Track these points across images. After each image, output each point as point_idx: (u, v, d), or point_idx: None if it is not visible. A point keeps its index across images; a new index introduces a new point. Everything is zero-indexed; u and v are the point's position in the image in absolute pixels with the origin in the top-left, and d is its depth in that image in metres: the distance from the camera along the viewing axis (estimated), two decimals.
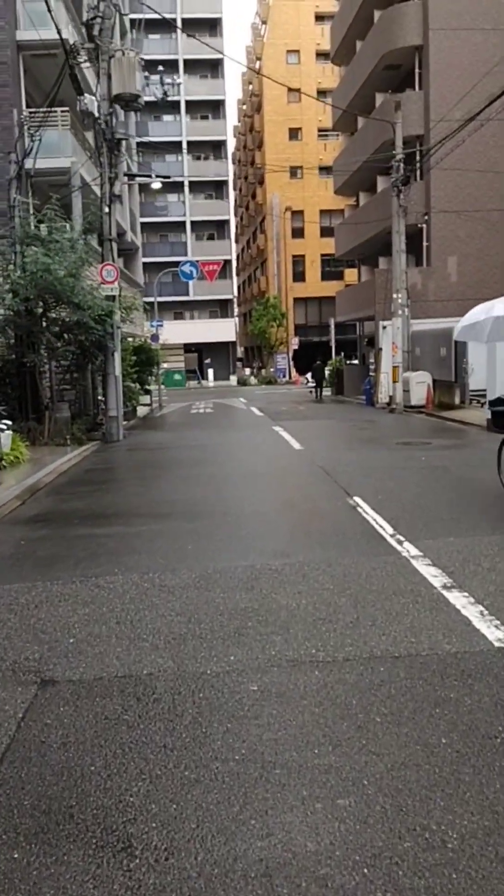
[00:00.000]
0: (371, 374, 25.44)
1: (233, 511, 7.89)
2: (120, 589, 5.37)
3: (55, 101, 16.79)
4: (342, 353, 33.16)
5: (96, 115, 14.25)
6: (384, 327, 23.69)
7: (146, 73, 16.10)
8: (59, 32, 13.69)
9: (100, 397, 19.04)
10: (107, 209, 16.38)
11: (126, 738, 3.24)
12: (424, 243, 26.11)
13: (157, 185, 18.60)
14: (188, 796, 2.79)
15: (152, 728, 3.32)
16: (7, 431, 13.03)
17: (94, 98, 14.22)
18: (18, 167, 16.33)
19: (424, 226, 25.95)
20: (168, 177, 18.51)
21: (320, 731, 3.21)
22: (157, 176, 17.97)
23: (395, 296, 21.80)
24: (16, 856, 2.51)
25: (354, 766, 2.93)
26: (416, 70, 25.73)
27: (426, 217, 25.82)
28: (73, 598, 5.24)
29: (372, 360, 25.53)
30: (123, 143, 16.96)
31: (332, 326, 34.17)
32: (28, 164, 17.26)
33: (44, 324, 15.79)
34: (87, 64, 16.53)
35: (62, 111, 18.47)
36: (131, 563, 6.07)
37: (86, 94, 13.87)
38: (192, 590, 5.28)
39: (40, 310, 15.80)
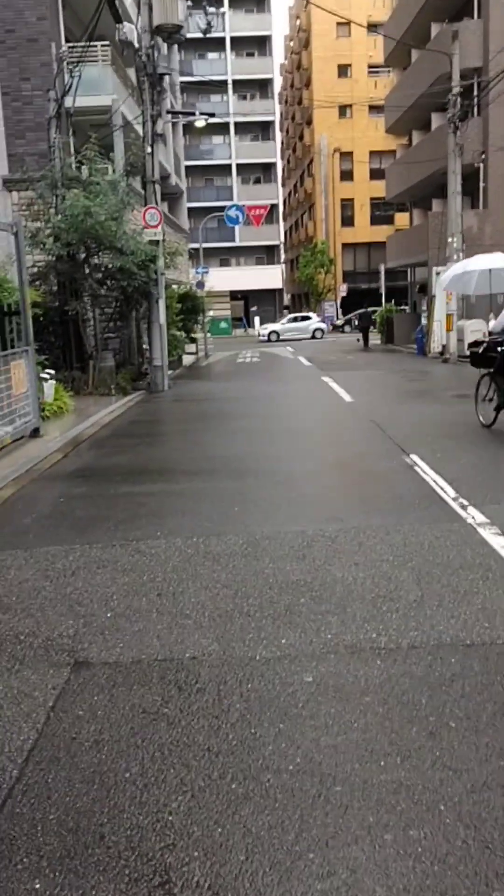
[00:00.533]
0: (423, 322, 24.53)
1: (282, 470, 7.45)
2: (162, 555, 5.01)
3: (94, 36, 16.02)
4: (392, 301, 32.08)
5: (136, 45, 13.52)
6: (438, 273, 22.68)
7: (189, 2, 15.18)
8: None
9: (144, 346, 18.66)
10: (149, 149, 15.72)
11: (166, 738, 2.87)
12: (481, 184, 24.83)
13: (201, 123, 17.77)
14: (236, 817, 2.41)
15: (195, 726, 2.95)
16: (50, 381, 12.75)
17: (133, 26, 13.46)
18: (58, 105, 15.70)
19: (481, 165, 24.65)
20: (213, 115, 17.66)
21: (386, 738, 2.80)
22: (202, 114, 17.12)
23: (449, 240, 20.79)
24: (37, 886, 2.17)
25: (428, 786, 2.52)
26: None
27: (483, 156, 24.49)
28: (113, 564, 4.89)
29: (424, 308, 24.57)
30: (166, 78, 16.17)
31: (382, 273, 33.08)
32: (67, 102, 16.66)
33: (86, 270, 15.36)
34: None
35: (102, 45, 17.67)
36: (174, 525, 5.71)
37: (124, 23, 13.10)
38: (240, 558, 4.89)
39: (83, 255, 15.35)
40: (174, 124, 31.20)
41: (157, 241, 15.96)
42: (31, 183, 15.36)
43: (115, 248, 14.88)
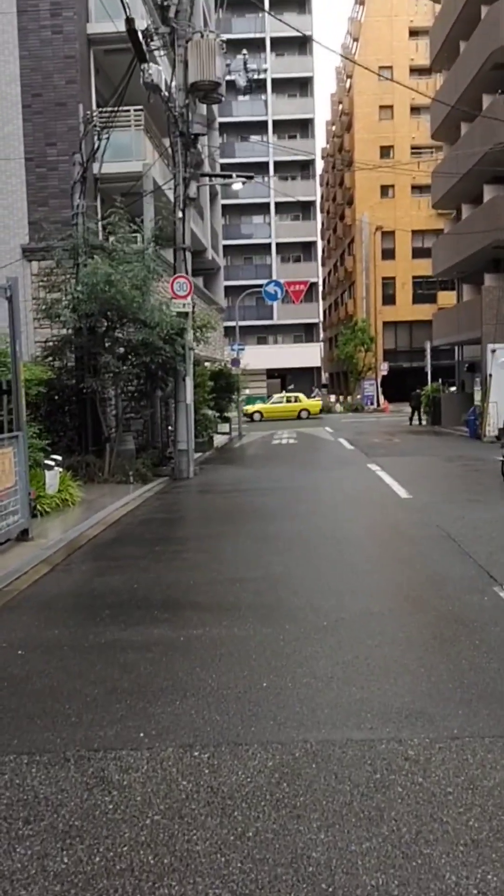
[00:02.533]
0: (476, 403, 22.55)
1: (330, 608, 5.41)
2: (139, 794, 2.99)
3: (124, 98, 14.93)
4: (440, 380, 30.22)
5: (163, 92, 12.19)
6: (493, 351, 20.84)
7: (228, 63, 13.97)
8: (125, 8, 11.68)
9: (170, 427, 16.94)
10: (180, 213, 14.32)
11: None
12: None
13: (238, 185, 16.52)
14: None
15: None
16: (55, 469, 10.97)
17: (159, 68, 12.14)
18: (83, 169, 14.45)
19: None
20: (251, 177, 16.35)
21: None
22: (239, 176, 15.81)
23: None
24: None
25: None
26: None
27: None
28: (52, 814, 2.87)
29: (478, 388, 22.64)
30: (201, 139, 14.92)
31: (428, 351, 31.34)
32: (95, 168, 15.49)
33: (106, 344, 13.78)
34: (163, 52, 14.56)
35: (136, 110, 16.63)
36: (169, 718, 3.69)
37: (150, 64, 11.79)
38: (267, 806, 2.85)
39: (103, 328, 13.82)
40: (212, 200, 30.42)
41: (186, 314, 14.39)
42: (50, 251, 13.98)
43: (139, 319, 13.33)
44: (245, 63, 13.60)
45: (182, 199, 14.34)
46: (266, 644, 4.70)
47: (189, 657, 4.55)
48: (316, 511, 9.90)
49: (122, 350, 14.08)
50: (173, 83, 14.24)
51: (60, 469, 11.24)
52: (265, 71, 14.69)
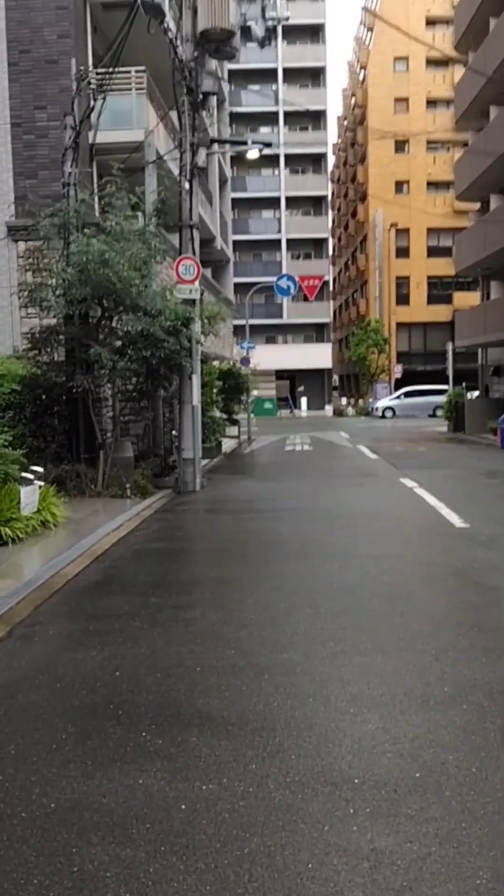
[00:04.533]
0: None
1: (417, 741, 3.43)
2: None
3: (124, 62, 13.00)
4: (463, 384, 28.19)
5: (165, 12, 10.14)
6: None
7: (243, 13, 12.05)
8: None
9: (174, 432, 14.97)
10: (187, 185, 12.35)
11: None
12: None
13: (254, 153, 14.54)
14: None
15: None
16: (34, 484, 9.00)
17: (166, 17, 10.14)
18: (76, 134, 12.49)
19: None
20: (269, 144, 14.37)
21: None
22: (255, 143, 13.87)
23: None
24: None
25: None
26: None
27: None
28: None
29: None
30: (212, 98, 12.94)
31: (450, 353, 29.31)
32: (90, 136, 13.54)
33: (100, 335, 11.81)
34: None
35: (137, 71, 14.69)
36: None
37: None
38: None
39: (97, 316, 11.87)
40: (222, 186, 28.42)
41: (193, 301, 12.43)
42: (37, 228, 12.00)
43: (138, 307, 11.36)
44: (263, 9, 11.58)
45: (189, 168, 12.36)
46: (325, 819, 2.72)
47: (193, 857, 2.57)
48: (355, 545, 7.90)
49: (118, 343, 12.11)
50: (181, 33, 12.26)
51: (41, 483, 9.28)
52: (286, 19, 12.65)
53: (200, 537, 9.00)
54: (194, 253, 12.59)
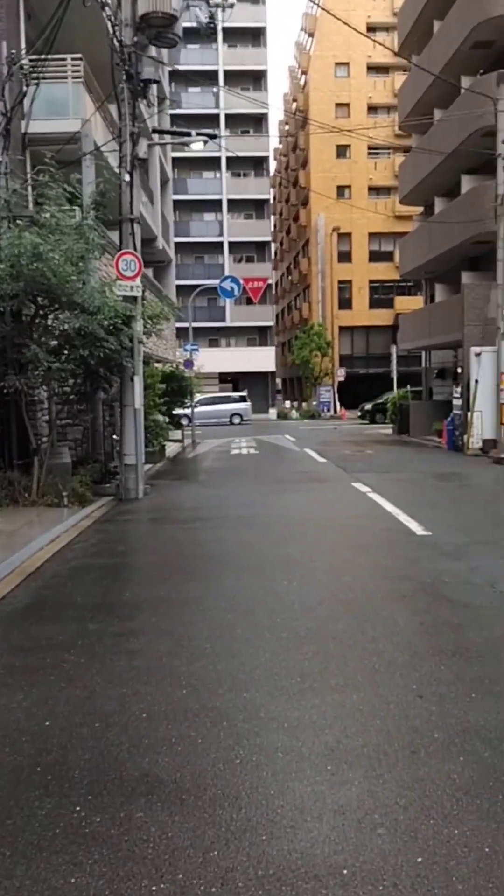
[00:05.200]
0: (456, 412, 20.36)
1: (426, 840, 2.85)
2: None
3: (60, 50, 12.26)
4: (407, 386, 28.06)
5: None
6: (478, 354, 18.67)
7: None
8: None
9: (115, 436, 14.21)
10: (127, 177, 11.65)
11: None
12: None
13: (198, 145, 13.88)
14: None
15: None
16: None
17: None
18: (7, 121, 11.67)
19: None
20: (214, 136, 13.77)
21: None
22: (199, 134, 13.22)
23: None
24: None
25: None
26: None
27: None
28: None
29: (457, 394, 20.45)
30: (153, 87, 12.27)
31: (394, 356, 29.18)
32: (23, 126, 12.74)
33: (34, 333, 11.01)
34: None
35: (73, 58, 13.93)
36: None
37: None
38: None
39: (30, 314, 11.06)
40: (163, 186, 27.68)
41: (135, 298, 11.73)
42: None
43: (75, 304, 10.63)
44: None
45: (130, 158, 11.67)
46: None
47: None
48: (312, 557, 7.32)
49: (54, 342, 11.33)
50: (119, 17, 11.57)
51: None
52: (231, 6, 12.08)
53: (144, 550, 8.30)
54: (135, 248, 11.90)
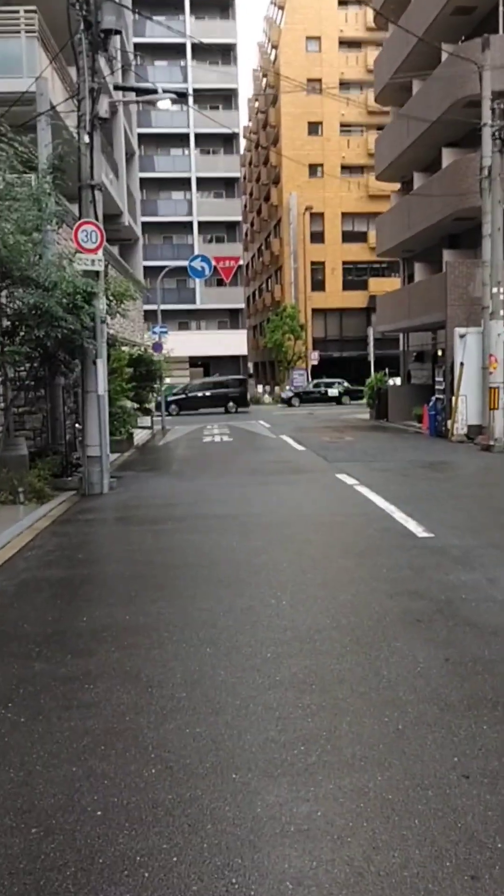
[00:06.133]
0: (438, 396, 19.53)
1: None
2: None
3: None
4: (386, 370, 27.18)
5: None
6: (463, 336, 17.80)
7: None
8: None
9: (77, 425, 13.13)
10: (87, 138, 10.51)
11: None
12: None
13: (165, 103, 12.68)
14: None
15: None
16: None
17: None
18: None
19: None
20: (184, 94, 12.51)
21: None
22: (165, 91, 12.09)
23: (495, 290, 15.87)
24: None
25: None
26: (502, 8, 20.07)
27: None
28: None
29: (440, 379, 19.61)
30: (114, 39, 11.09)
31: (371, 338, 28.27)
32: None
33: None
34: None
35: (26, 11, 12.71)
36: None
37: None
38: None
39: None
40: (128, 159, 26.35)
41: (97, 273, 10.62)
42: None
43: (29, 278, 9.52)
44: None
45: (90, 118, 10.51)
46: None
47: None
48: (302, 567, 6.35)
49: (7, 322, 10.21)
50: None
51: None
52: None
53: (107, 559, 7.27)
54: (97, 218, 10.76)
